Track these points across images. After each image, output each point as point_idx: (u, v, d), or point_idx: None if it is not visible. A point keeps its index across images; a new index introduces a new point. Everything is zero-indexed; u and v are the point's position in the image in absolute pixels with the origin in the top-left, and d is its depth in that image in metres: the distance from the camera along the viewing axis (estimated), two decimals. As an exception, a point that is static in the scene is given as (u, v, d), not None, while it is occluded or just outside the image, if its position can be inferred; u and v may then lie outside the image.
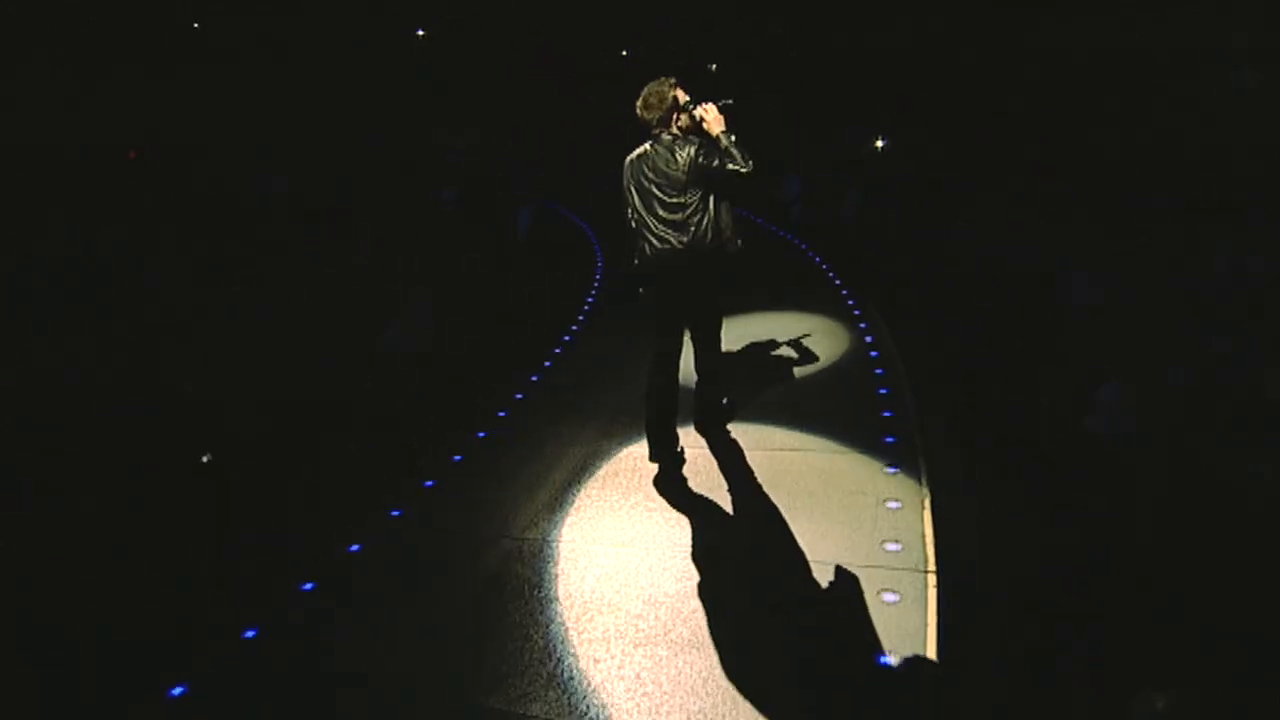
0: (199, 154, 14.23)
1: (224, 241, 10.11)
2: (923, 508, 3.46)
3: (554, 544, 3.46)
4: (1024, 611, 2.81)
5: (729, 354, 4.95)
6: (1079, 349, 5.10)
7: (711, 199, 3.58)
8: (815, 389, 4.91)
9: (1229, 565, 2.95)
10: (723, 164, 3.43)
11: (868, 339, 5.63)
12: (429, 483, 4.13)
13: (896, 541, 3.22)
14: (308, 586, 3.33)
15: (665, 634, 2.83)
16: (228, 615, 3.11)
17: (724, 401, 4.38)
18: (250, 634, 3.01)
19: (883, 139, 12.02)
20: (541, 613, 3.02)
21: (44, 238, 9.44)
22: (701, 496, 3.74)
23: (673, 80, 3.61)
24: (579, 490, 3.89)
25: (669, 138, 3.58)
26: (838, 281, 7.35)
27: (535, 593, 3.14)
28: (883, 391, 4.70)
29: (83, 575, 3.49)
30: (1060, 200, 8.31)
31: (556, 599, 3.09)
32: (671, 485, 3.85)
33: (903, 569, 3.04)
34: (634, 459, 4.12)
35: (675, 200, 3.55)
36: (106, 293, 7.88)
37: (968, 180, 10.19)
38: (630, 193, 3.68)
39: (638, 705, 2.52)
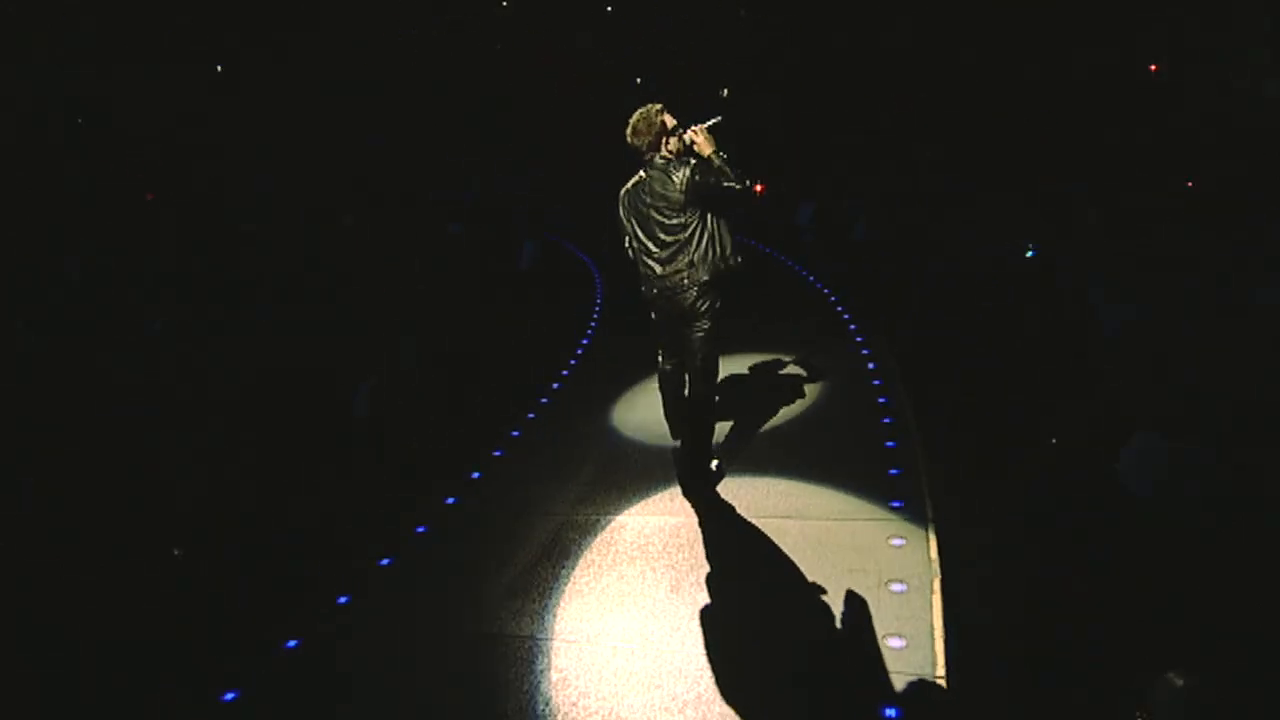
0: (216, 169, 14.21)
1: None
2: (932, 591, 3.03)
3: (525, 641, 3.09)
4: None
5: (727, 399, 4.72)
6: (1111, 388, 4.64)
7: (710, 217, 3.62)
8: (816, 438, 4.47)
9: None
10: (718, 181, 3.47)
11: (875, 382, 5.21)
12: (385, 560, 3.78)
13: (900, 636, 2.79)
14: (229, 696, 3.00)
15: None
16: None
17: (713, 465, 4.08)
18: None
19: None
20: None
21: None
22: (680, 583, 3.32)
23: (659, 106, 3.66)
24: (553, 573, 3.52)
25: (662, 161, 3.62)
26: (846, 316, 6.93)
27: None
28: (890, 445, 4.27)
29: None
30: (1089, 221, 7.85)
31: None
32: (649, 569, 3.45)
33: (907, 673, 2.62)
34: (614, 534, 3.75)
35: (675, 221, 3.60)
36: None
37: (984, 185, 9.74)
38: (629, 222, 3.75)
39: None
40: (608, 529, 3.76)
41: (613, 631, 3.04)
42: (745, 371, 5.46)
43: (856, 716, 2.52)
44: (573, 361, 6.50)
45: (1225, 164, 8.14)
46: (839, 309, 7.19)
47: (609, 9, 19.09)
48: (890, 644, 2.76)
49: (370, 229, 13.00)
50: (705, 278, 3.62)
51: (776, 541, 3.49)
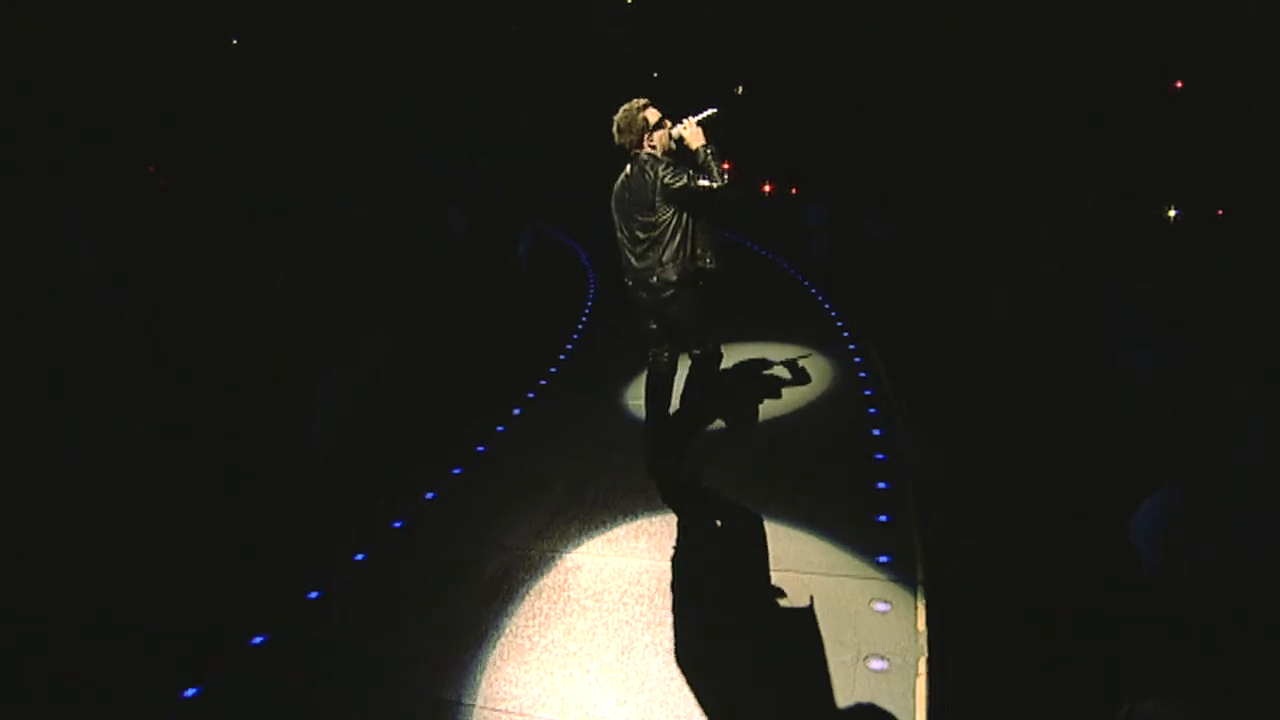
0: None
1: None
2: (916, 673, 2.65)
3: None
4: None
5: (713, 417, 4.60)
6: (1133, 436, 4.22)
7: (684, 218, 3.59)
8: (801, 479, 4.08)
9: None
10: (690, 182, 3.45)
11: (870, 410, 4.82)
12: (313, 594, 3.40)
13: (877, 728, 2.42)
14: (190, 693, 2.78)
15: None
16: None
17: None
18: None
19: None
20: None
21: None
22: (633, 644, 2.95)
23: (643, 101, 3.65)
24: (493, 623, 3.15)
25: (645, 158, 3.61)
26: (852, 346, 6.53)
27: None
28: (882, 486, 3.89)
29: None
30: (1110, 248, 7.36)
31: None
32: (600, 624, 3.08)
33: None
34: (568, 577, 3.39)
35: (648, 219, 3.60)
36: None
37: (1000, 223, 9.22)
38: (615, 216, 3.78)
39: None
40: (562, 569, 3.39)
41: (549, 702, 2.68)
42: (730, 398, 5.09)
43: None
44: (552, 370, 6.13)
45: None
46: (840, 326, 6.80)
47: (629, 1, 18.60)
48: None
49: (376, 218, 12.61)
50: (673, 277, 3.62)
51: (745, 595, 3.13)
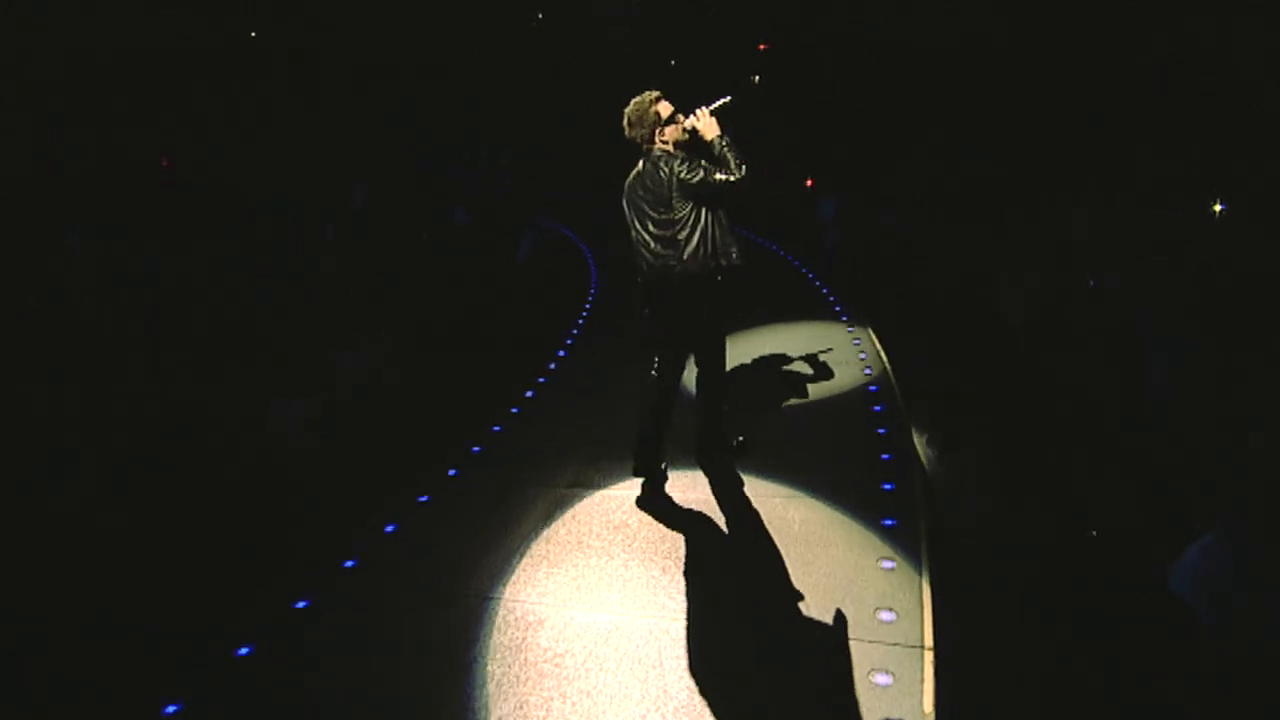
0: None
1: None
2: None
3: None
4: None
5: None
6: (1167, 461, 3.77)
7: (703, 213, 3.49)
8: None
9: None
10: (707, 176, 3.38)
11: (879, 430, 4.39)
12: (242, 650, 3.02)
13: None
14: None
15: None
16: None
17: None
18: None
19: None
20: None
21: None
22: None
23: (655, 94, 3.55)
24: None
25: (658, 153, 3.52)
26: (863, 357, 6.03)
27: None
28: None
29: None
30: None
31: None
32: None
33: None
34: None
35: (665, 217, 3.49)
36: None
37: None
38: (628, 212, 3.65)
39: None
40: (536, 624, 3.02)
41: None
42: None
43: None
44: (540, 380, 5.73)
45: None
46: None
47: None
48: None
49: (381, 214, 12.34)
50: (694, 273, 3.51)
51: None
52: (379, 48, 16.12)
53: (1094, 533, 3.26)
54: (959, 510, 3.62)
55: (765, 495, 3.75)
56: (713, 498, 3.78)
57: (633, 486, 3.88)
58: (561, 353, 6.35)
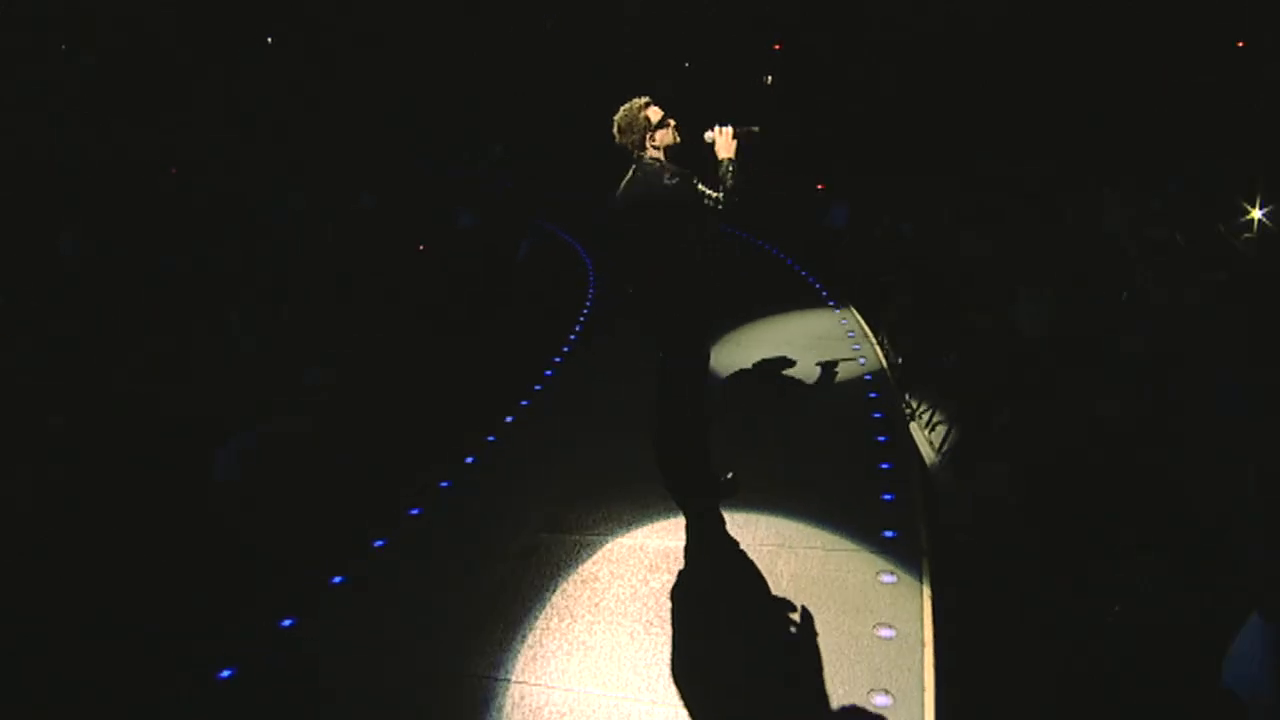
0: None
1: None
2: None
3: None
4: None
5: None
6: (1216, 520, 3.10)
7: (690, 224, 3.45)
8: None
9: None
10: (700, 196, 3.39)
11: (883, 465, 4.12)
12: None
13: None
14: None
15: None
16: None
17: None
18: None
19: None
20: None
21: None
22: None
23: (645, 100, 3.52)
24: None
25: (650, 162, 3.46)
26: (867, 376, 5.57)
27: None
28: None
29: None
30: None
31: None
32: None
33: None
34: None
35: (654, 225, 3.44)
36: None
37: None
38: (617, 220, 3.60)
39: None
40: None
41: None
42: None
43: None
44: (524, 403, 5.37)
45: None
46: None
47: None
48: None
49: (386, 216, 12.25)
50: (680, 282, 3.48)
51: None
52: (379, 47, 16.17)
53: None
54: (958, 509, 3.58)
55: (756, 528, 3.60)
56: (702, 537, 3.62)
57: (608, 531, 3.67)
58: (556, 360, 6.27)
